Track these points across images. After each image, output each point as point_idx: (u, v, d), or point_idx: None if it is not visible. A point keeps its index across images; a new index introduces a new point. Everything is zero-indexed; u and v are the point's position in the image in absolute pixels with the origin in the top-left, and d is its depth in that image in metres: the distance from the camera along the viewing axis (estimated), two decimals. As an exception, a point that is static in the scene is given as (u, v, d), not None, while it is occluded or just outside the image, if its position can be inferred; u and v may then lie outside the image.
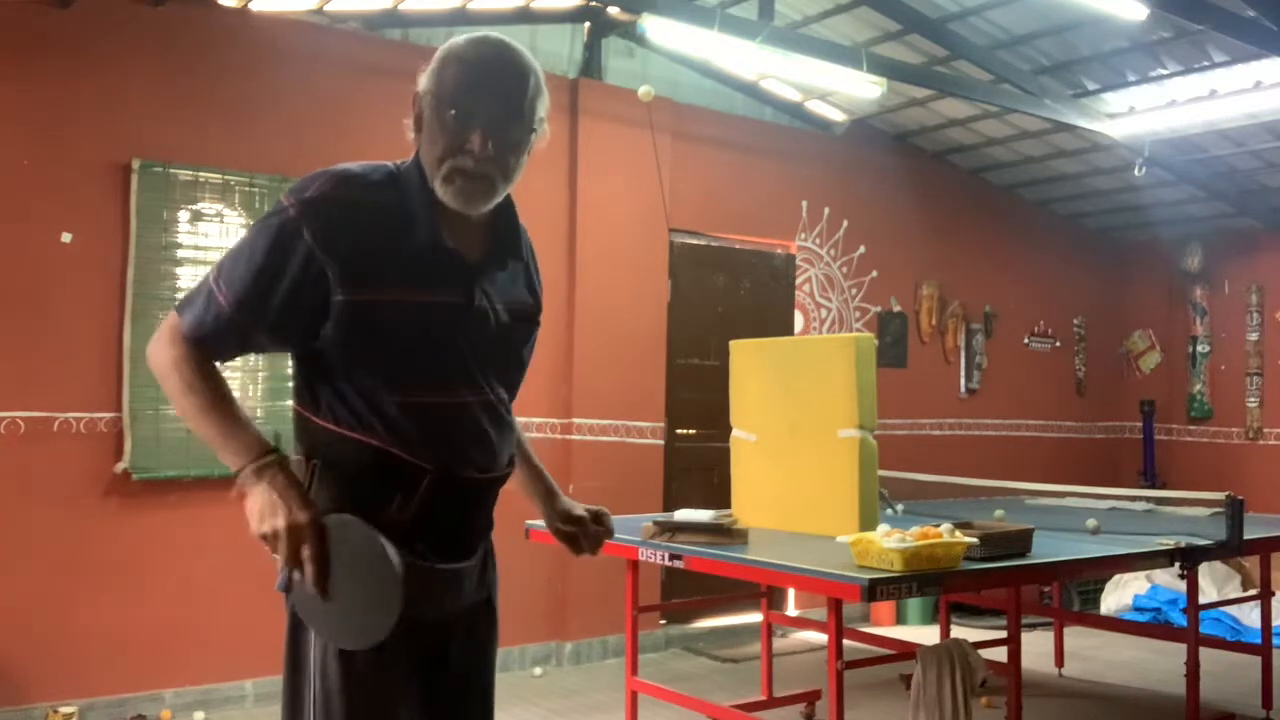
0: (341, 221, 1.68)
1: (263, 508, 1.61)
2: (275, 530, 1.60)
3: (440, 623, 1.80)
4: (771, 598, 5.19)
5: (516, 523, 4.49)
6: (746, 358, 4.54)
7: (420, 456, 1.70)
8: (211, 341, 1.71)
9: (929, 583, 3.26)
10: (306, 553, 1.60)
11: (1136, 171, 6.92)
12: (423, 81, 1.76)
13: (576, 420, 6.09)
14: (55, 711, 4.55)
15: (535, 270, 2.08)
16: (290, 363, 1.84)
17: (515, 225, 1.94)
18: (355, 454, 1.70)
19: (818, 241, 7.30)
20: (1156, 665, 6.08)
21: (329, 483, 1.72)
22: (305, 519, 1.61)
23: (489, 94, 1.73)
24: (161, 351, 1.73)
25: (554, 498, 2.13)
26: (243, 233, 2.31)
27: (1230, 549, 4.18)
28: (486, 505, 1.87)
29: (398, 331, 1.70)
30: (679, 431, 6.61)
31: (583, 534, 2.08)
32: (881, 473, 4.19)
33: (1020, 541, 3.68)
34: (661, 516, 4.21)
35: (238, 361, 5.11)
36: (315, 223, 1.67)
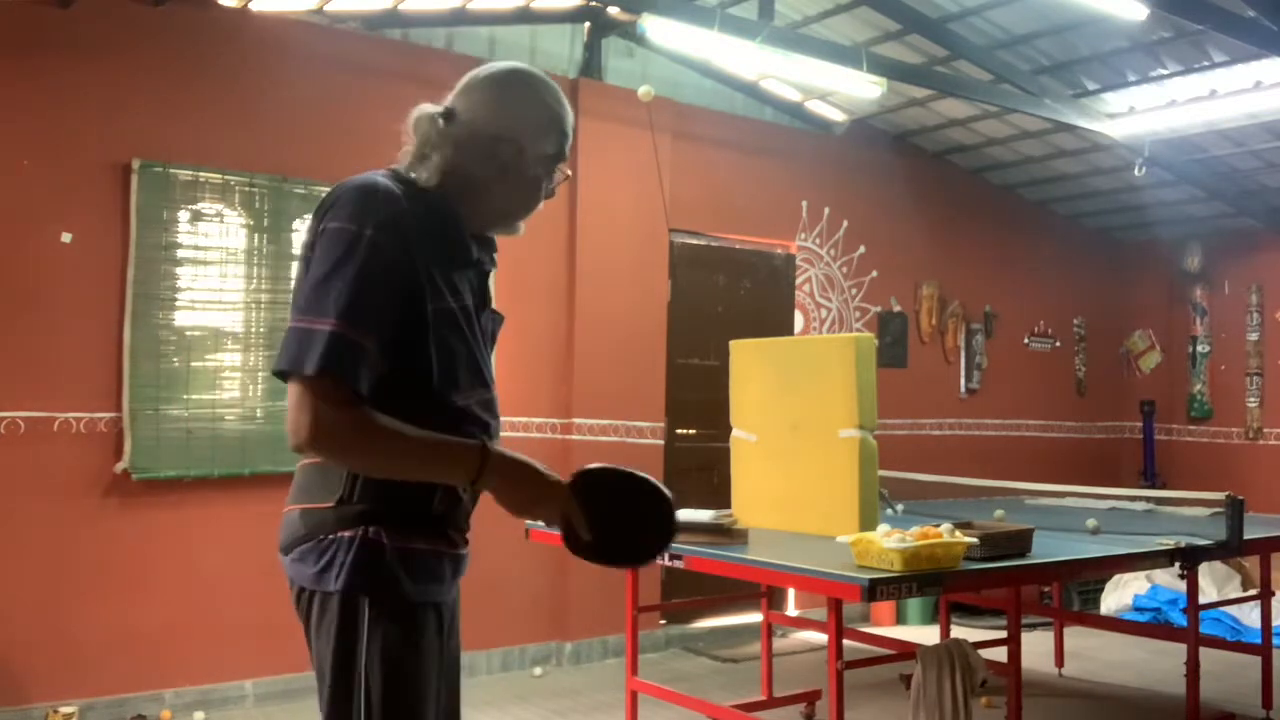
0: (410, 237, 1.74)
1: (513, 496, 1.76)
2: (538, 507, 1.76)
3: (450, 604, 1.93)
4: (771, 598, 5.19)
5: (516, 523, 4.48)
6: (746, 358, 4.54)
7: None
8: (349, 381, 1.66)
9: (929, 583, 3.26)
10: (569, 513, 1.76)
11: (1136, 171, 6.92)
12: (518, 127, 1.87)
13: (576, 420, 6.09)
14: (55, 711, 4.55)
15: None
16: None
17: None
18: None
19: (818, 241, 7.30)
20: (1156, 665, 6.08)
21: (376, 485, 1.75)
22: (558, 488, 1.77)
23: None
24: (321, 427, 1.65)
25: None
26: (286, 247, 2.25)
27: (1230, 549, 4.18)
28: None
29: (450, 336, 1.78)
30: (679, 431, 6.61)
31: None
32: (881, 473, 4.19)
33: (1020, 541, 3.68)
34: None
35: (237, 360, 5.14)
36: (398, 240, 1.71)
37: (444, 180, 1.82)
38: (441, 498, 1.79)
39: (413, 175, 1.82)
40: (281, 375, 1.70)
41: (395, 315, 1.70)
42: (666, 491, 1.82)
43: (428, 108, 1.85)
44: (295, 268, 5.45)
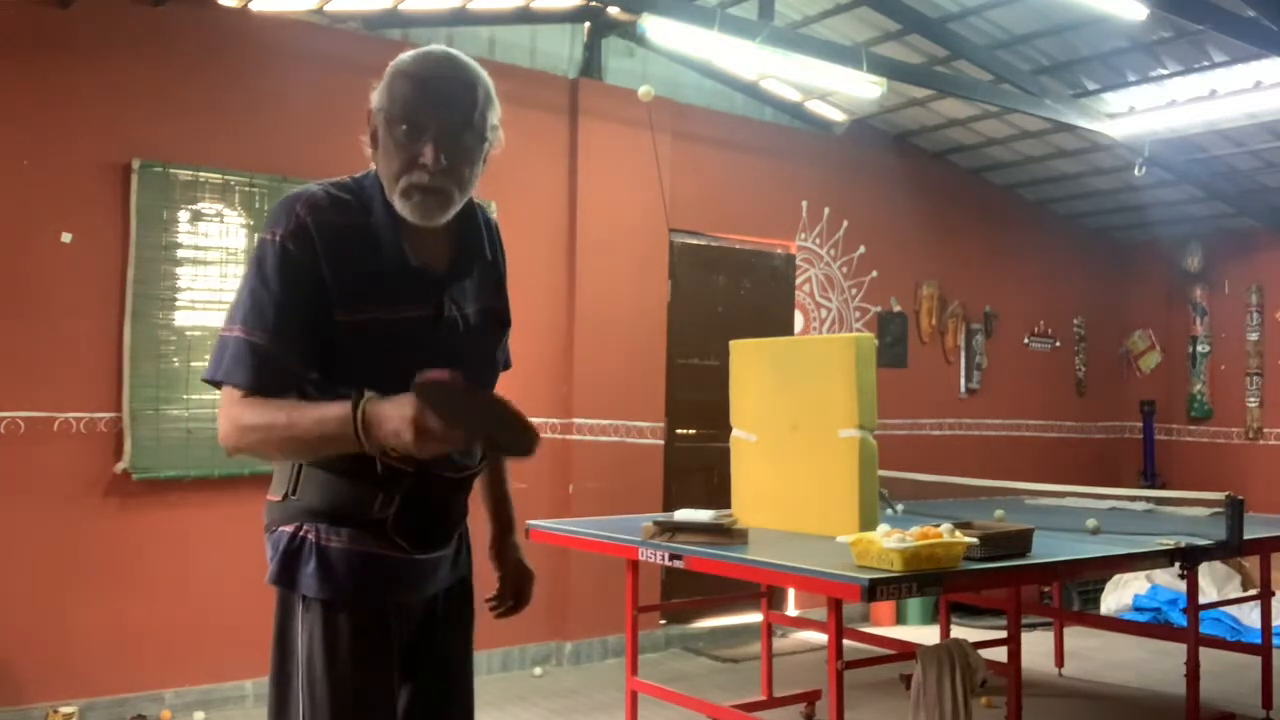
0: (325, 245, 1.74)
1: (389, 433, 1.61)
2: (411, 438, 1.58)
3: (420, 607, 1.92)
4: (771, 598, 5.19)
5: (517, 522, 4.49)
6: (746, 358, 4.54)
7: (400, 460, 1.73)
8: (272, 389, 1.71)
9: (929, 583, 3.26)
10: (437, 430, 1.58)
11: (1136, 171, 6.92)
12: (374, 99, 1.81)
13: (576, 420, 6.09)
14: (55, 711, 4.55)
15: (504, 267, 2.08)
16: None
17: (478, 229, 1.97)
18: (340, 458, 1.75)
19: (818, 241, 7.30)
20: (1156, 665, 6.08)
21: (314, 483, 1.80)
22: (411, 412, 1.58)
23: (438, 106, 1.76)
24: (232, 426, 1.73)
25: (507, 535, 2.23)
26: (238, 242, 2.27)
27: (1230, 549, 4.17)
28: (461, 499, 1.96)
29: (377, 347, 1.77)
30: (679, 431, 6.61)
31: (501, 592, 2.21)
32: (881, 473, 4.18)
33: (1020, 541, 3.67)
34: (661, 516, 4.20)
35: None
36: (308, 249, 1.73)
37: (375, 174, 1.84)
38: (384, 501, 1.79)
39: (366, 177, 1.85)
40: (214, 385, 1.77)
41: (306, 320, 1.72)
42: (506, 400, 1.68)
43: None
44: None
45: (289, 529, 1.80)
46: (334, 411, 1.65)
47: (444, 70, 1.80)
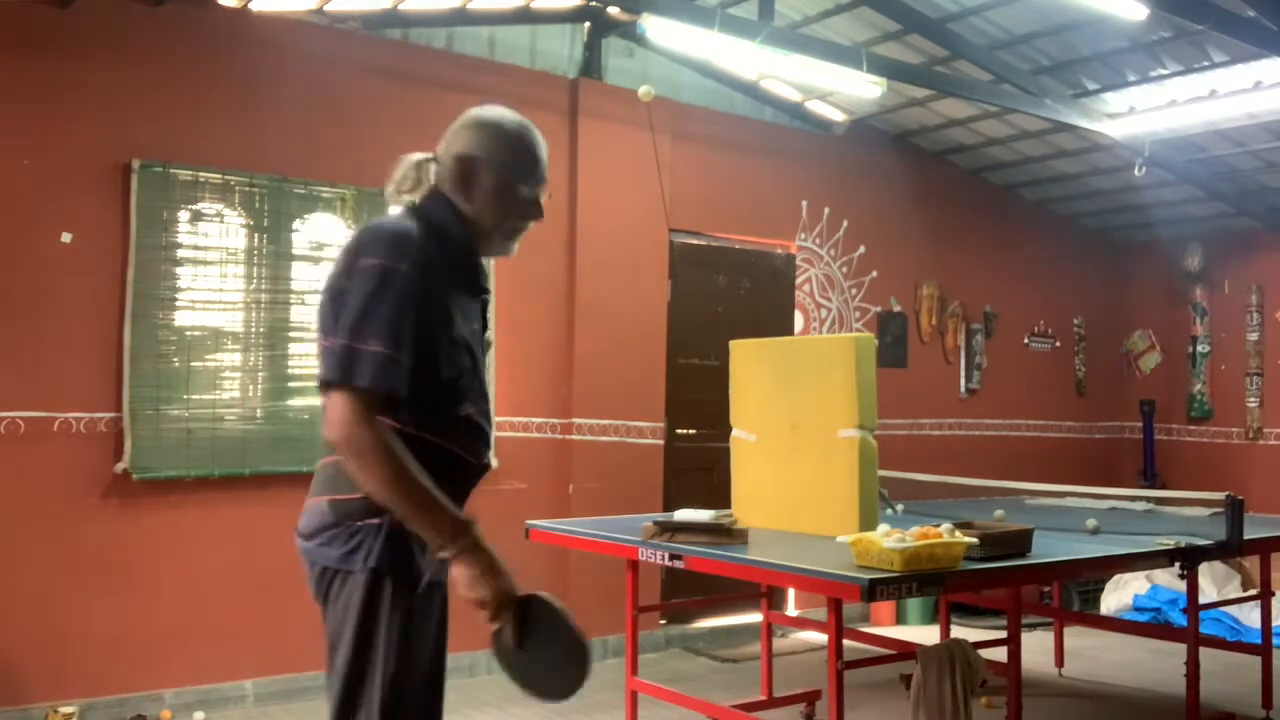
0: (433, 274, 2.02)
1: (478, 576, 1.95)
2: (491, 596, 1.95)
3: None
4: (771, 598, 5.19)
5: (517, 522, 4.49)
6: (746, 358, 4.54)
7: (469, 453, 2.10)
8: (394, 394, 1.95)
9: (929, 583, 3.26)
10: (509, 616, 1.97)
11: (1136, 171, 6.93)
12: (480, 151, 2.13)
13: (576, 420, 6.09)
14: (55, 711, 4.56)
15: None
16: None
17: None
18: (427, 452, 2.00)
19: (818, 241, 7.30)
20: (1156, 665, 6.08)
21: None
22: (514, 591, 1.97)
23: (545, 171, 2.22)
24: (363, 433, 1.92)
25: None
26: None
27: (1230, 549, 4.17)
28: None
29: (462, 358, 2.08)
30: (679, 431, 6.61)
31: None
32: (881, 473, 4.18)
33: (1020, 541, 3.67)
34: (661, 516, 4.21)
35: (237, 360, 5.14)
36: (424, 276, 2.00)
37: (455, 214, 2.13)
38: (450, 491, 2.01)
39: (427, 211, 2.12)
40: (326, 386, 1.96)
41: (420, 339, 1.99)
42: (588, 655, 2.00)
43: (418, 155, 2.17)
44: (296, 269, 5.43)
45: (375, 521, 2.00)
46: (449, 511, 1.96)
47: (541, 138, 2.25)
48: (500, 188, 2.13)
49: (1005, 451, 8.12)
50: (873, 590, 3.07)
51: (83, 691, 4.72)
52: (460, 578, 1.95)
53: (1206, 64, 5.97)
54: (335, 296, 1.99)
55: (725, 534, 3.81)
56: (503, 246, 2.21)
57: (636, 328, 6.33)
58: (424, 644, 2.03)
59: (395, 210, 2.15)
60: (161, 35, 5.02)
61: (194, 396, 5.00)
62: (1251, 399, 8.31)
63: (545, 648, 1.98)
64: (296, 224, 5.31)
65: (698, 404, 6.56)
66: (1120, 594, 7.24)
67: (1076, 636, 6.47)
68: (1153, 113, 6.43)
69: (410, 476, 1.91)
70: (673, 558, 3.73)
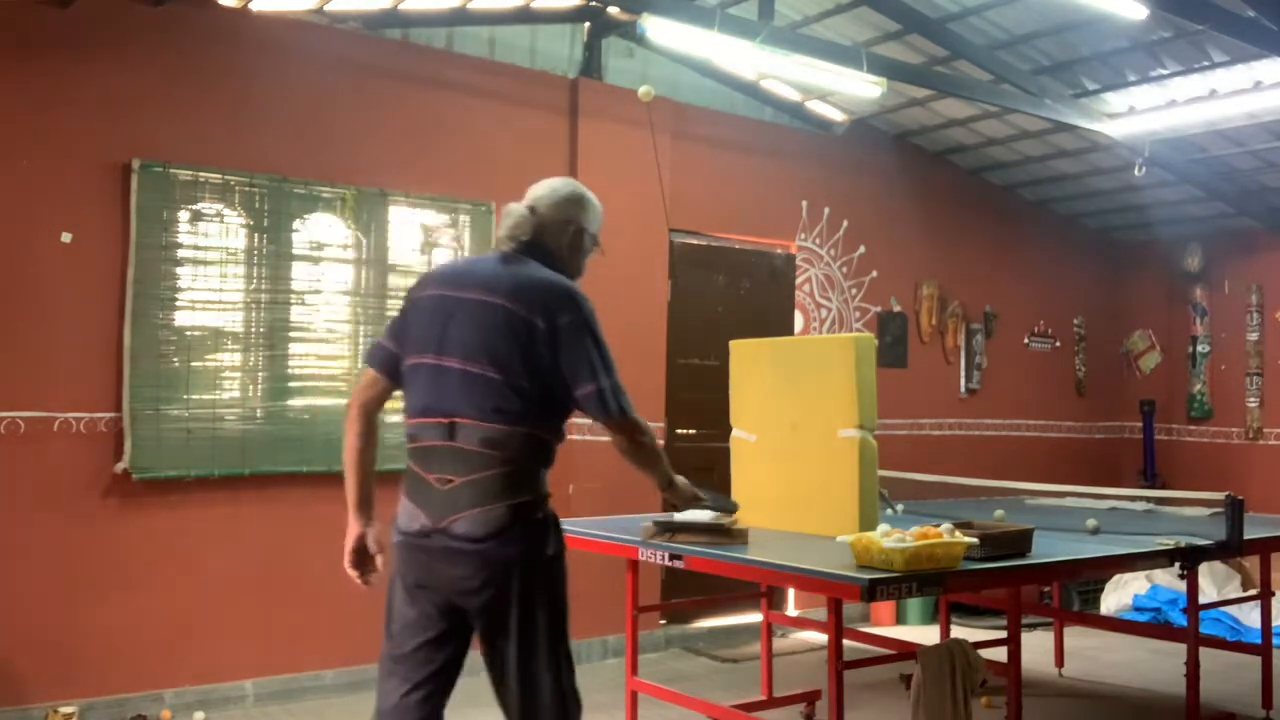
0: None
1: (679, 500, 3.19)
2: (683, 504, 3.27)
3: None
4: (771, 598, 5.19)
5: (516, 523, 4.49)
6: (746, 358, 4.54)
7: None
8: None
9: (929, 583, 3.26)
10: (694, 505, 3.30)
11: (1136, 171, 6.92)
12: (585, 225, 3.11)
13: (576, 420, 6.07)
14: (55, 711, 4.55)
15: None
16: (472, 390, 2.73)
17: None
18: (554, 456, 2.80)
19: (818, 241, 7.30)
20: (1156, 665, 6.08)
21: (546, 478, 2.75)
22: (696, 498, 3.24)
23: None
24: (648, 439, 2.92)
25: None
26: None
27: (1230, 549, 4.17)
28: None
29: None
30: (679, 431, 6.62)
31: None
32: (881, 473, 4.18)
33: (1020, 541, 3.67)
34: (661, 516, 4.20)
35: (237, 360, 5.15)
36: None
37: (554, 263, 2.93)
38: (549, 467, 2.77)
39: (549, 263, 2.89)
40: (620, 417, 2.82)
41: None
42: (729, 503, 3.69)
43: (525, 207, 2.94)
44: (296, 269, 5.39)
45: (541, 516, 2.64)
46: (668, 470, 3.01)
47: None
48: (588, 249, 3.07)
49: (1005, 451, 8.12)
50: (873, 590, 3.07)
51: (83, 691, 4.72)
52: (673, 498, 3.10)
53: (1206, 64, 5.97)
54: (517, 337, 2.72)
55: (725, 534, 3.81)
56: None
57: (636, 328, 6.32)
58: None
59: (503, 250, 2.87)
60: (161, 35, 5.02)
61: (194, 396, 5.00)
62: (1251, 399, 8.31)
63: (712, 502, 3.43)
64: (296, 224, 5.31)
65: (698, 404, 6.56)
66: (1120, 594, 7.24)
67: (1076, 636, 6.47)
68: (1153, 113, 6.43)
69: (661, 456, 2.90)
70: (673, 558, 3.73)
